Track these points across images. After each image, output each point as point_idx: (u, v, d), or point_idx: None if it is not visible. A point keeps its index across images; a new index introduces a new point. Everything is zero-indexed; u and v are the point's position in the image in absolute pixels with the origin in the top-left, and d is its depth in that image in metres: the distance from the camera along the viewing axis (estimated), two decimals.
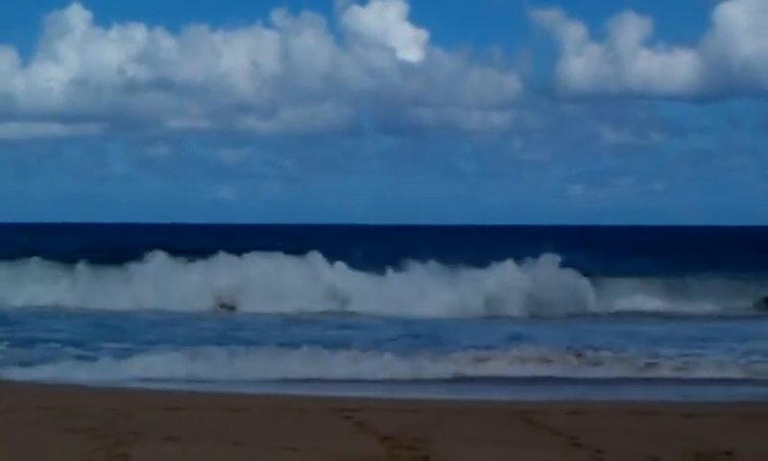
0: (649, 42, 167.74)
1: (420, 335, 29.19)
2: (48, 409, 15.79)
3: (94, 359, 23.18)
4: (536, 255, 40.76)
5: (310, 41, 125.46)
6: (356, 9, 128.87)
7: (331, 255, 41.73)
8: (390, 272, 40.22)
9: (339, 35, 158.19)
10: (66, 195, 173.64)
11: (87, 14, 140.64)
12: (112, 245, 64.01)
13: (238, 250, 42.71)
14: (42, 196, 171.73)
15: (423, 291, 38.11)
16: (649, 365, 23.04)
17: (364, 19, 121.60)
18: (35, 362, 22.57)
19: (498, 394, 19.12)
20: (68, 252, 49.81)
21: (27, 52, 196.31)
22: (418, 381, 21.16)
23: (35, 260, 43.65)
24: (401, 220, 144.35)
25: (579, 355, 23.97)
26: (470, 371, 22.30)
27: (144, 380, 20.64)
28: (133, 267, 40.88)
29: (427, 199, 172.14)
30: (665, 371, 22.45)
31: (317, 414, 15.69)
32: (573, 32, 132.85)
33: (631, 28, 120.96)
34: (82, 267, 41.75)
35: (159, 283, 39.10)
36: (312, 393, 18.99)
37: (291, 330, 30.54)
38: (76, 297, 38.71)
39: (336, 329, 30.99)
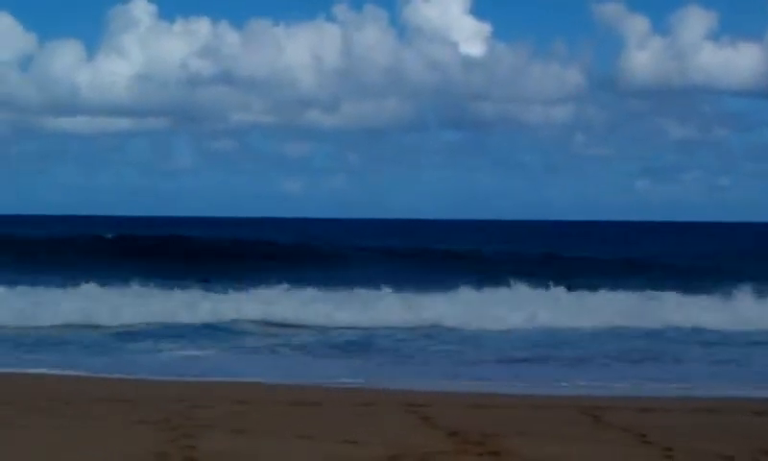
0: (713, 36, 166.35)
1: None
2: (120, 401, 15.99)
3: None
4: None
5: (372, 35, 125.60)
6: (418, 3, 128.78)
7: None
8: None
9: (401, 29, 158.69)
10: (131, 188, 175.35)
11: (152, 8, 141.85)
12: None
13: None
14: (108, 189, 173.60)
15: None
16: None
17: (426, 13, 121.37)
18: None
19: (566, 390, 19.01)
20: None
21: (92, 45, 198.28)
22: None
23: None
24: (464, 215, 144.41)
25: None
26: None
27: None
28: None
29: (490, 193, 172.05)
30: None
31: (384, 408, 15.73)
32: (636, 25, 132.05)
33: (695, 21, 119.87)
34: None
35: None
36: (378, 387, 19.00)
37: None
38: None
39: None
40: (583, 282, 39.25)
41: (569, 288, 37.39)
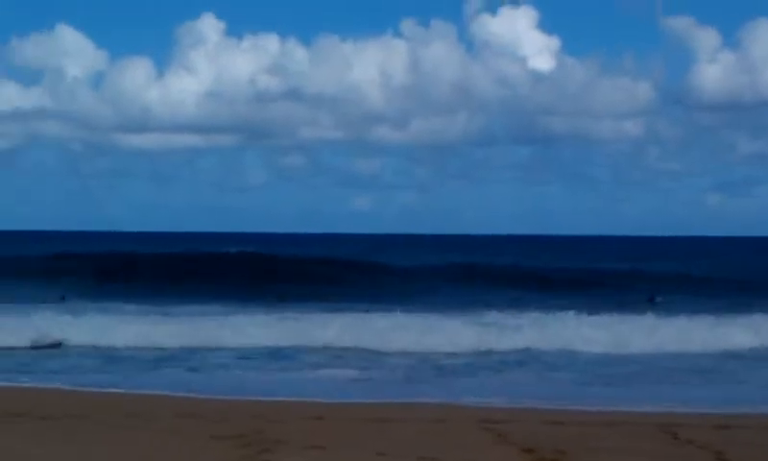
0: None
1: None
2: (196, 417, 16.11)
3: None
4: None
5: (440, 51, 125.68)
6: (486, 17, 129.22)
7: None
8: None
9: (469, 43, 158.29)
10: (202, 204, 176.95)
11: (220, 25, 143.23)
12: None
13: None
14: (178, 205, 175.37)
15: None
16: None
17: (494, 28, 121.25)
18: None
19: (643, 406, 18.82)
20: None
21: (162, 62, 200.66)
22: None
23: None
24: (535, 230, 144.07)
25: None
26: None
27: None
28: None
29: (560, 208, 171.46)
30: None
31: (458, 425, 15.69)
32: (706, 39, 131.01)
33: (765, 34, 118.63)
34: None
35: None
36: (454, 402, 18.94)
37: None
38: None
39: None
40: (659, 299, 38.82)
41: (645, 305, 37.04)
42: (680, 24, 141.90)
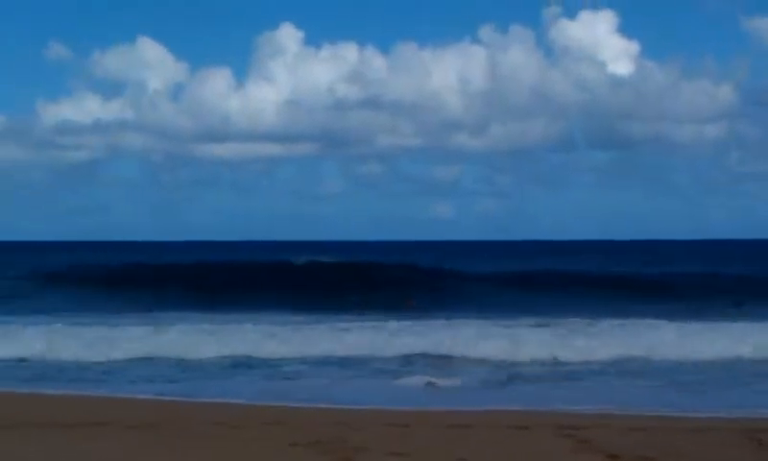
0: None
1: None
2: (275, 425, 16.13)
3: None
4: None
5: (519, 56, 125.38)
6: (565, 22, 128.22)
7: None
8: None
9: (548, 49, 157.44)
10: (281, 213, 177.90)
11: (299, 34, 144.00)
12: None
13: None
14: (258, 214, 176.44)
15: None
16: None
17: (573, 33, 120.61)
18: None
19: (728, 412, 18.53)
20: None
21: (241, 73, 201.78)
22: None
23: None
24: (616, 235, 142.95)
25: None
26: None
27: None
28: None
29: (641, 213, 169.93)
30: None
31: (541, 432, 15.55)
32: None
33: None
34: None
35: None
36: (535, 409, 18.79)
37: None
38: None
39: None
40: (746, 304, 38.29)
41: (730, 310, 36.59)
42: (762, 25, 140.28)
